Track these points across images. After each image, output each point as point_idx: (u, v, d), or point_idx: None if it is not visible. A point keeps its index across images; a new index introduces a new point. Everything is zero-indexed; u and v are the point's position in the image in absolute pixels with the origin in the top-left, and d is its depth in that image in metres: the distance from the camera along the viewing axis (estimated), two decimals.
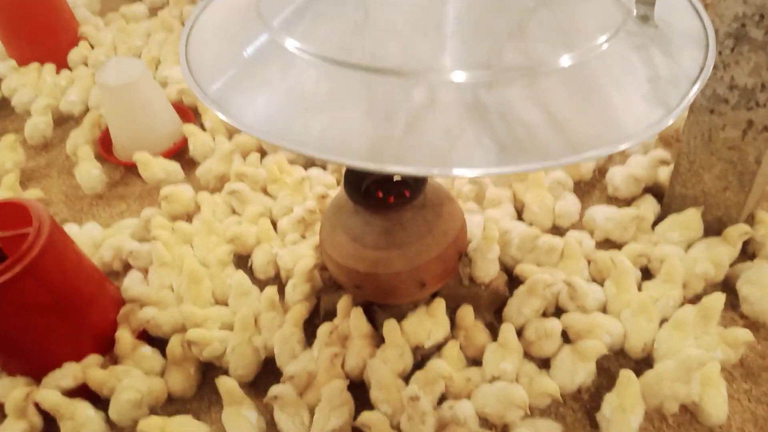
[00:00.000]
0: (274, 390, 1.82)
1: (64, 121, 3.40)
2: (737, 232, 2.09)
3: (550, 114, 1.11)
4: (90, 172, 2.86)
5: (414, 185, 1.87)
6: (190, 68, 1.33)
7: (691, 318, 1.90)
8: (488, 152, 1.06)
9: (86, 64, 3.72)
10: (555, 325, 1.93)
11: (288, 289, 2.19)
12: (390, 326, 1.93)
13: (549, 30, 1.16)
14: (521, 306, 2.02)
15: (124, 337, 2.06)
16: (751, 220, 2.23)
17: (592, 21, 1.22)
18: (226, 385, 1.87)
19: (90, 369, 1.97)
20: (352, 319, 1.97)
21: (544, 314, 2.07)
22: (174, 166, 2.85)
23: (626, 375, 1.76)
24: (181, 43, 1.40)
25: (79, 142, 3.01)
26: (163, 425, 1.78)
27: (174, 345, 2.04)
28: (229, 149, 2.82)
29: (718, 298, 1.90)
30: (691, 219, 2.19)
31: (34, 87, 3.45)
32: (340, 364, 1.95)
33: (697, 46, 1.32)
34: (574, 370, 1.86)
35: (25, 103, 3.36)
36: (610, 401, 1.76)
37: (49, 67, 3.59)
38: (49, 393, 1.87)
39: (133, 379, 1.97)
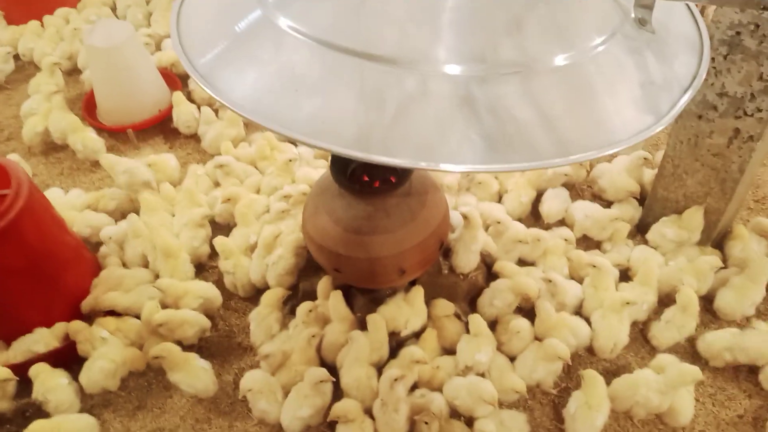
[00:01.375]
0: (248, 383, 1.83)
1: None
2: (709, 264, 2.10)
3: (541, 113, 1.11)
4: (64, 118, 2.82)
5: (400, 172, 1.86)
6: (180, 38, 1.30)
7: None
8: (476, 148, 1.05)
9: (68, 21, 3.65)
10: (522, 323, 1.95)
11: (272, 259, 2.16)
12: (374, 320, 1.92)
13: (546, 28, 1.15)
14: (493, 298, 2.04)
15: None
16: (730, 229, 2.25)
17: (589, 21, 1.21)
18: (165, 349, 1.87)
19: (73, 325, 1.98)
20: (331, 302, 1.97)
21: (520, 308, 2.09)
22: (95, 142, 2.77)
23: (591, 375, 1.79)
24: (172, 13, 1.37)
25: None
26: (51, 427, 1.75)
27: (149, 314, 2.02)
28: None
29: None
30: (691, 219, 2.19)
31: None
32: (316, 346, 1.95)
33: (691, 53, 1.32)
34: (533, 367, 1.89)
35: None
36: (576, 398, 1.79)
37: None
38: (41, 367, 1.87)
39: (110, 347, 1.95)
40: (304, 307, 2.01)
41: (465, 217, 2.07)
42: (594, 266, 2.06)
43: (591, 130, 1.13)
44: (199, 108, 2.91)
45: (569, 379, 1.97)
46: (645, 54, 1.25)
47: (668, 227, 2.23)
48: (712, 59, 1.84)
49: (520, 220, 2.40)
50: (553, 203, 2.41)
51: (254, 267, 2.20)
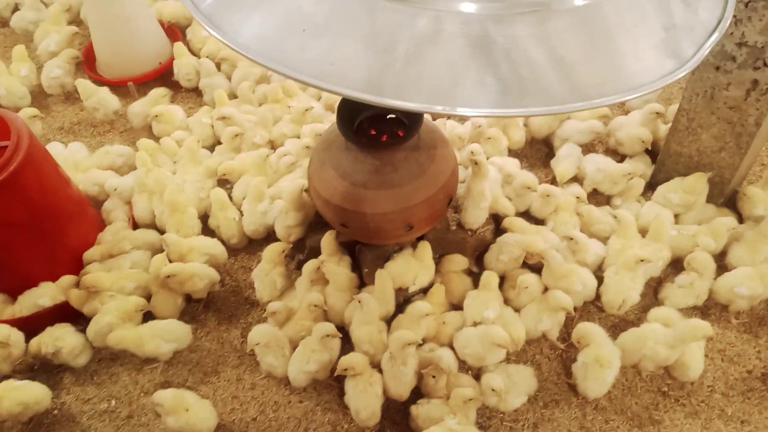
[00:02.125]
0: (255, 337, 1.82)
1: None
2: (725, 225, 2.06)
3: (557, 56, 1.06)
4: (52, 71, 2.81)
5: (408, 125, 1.81)
6: None
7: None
8: (490, 92, 1.01)
9: None
10: (530, 278, 1.93)
11: (280, 216, 2.14)
12: (382, 276, 1.90)
13: None
14: (500, 253, 2.02)
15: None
16: (741, 190, 2.20)
17: None
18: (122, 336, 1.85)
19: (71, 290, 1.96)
20: (329, 274, 1.94)
21: (528, 265, 2.07)
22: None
23: (602, 333, 1.78)
24: None
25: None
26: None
27: (157, 267, 2.00)
28: None
29: None
30: (695, 184, 2.15)
31: None
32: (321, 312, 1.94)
33: None
34: (538, 317, 1.89)
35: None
36: (586, 353, 1.77)
37: None
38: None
39: (119, 302, 1.94)
40: (310, 266, 1.98)
41: (475, 162, 2.02)
42: (615, 217, 2.05)
43: (610, 74, 1.08)
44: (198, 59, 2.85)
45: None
46: None
47: (673, 192, 2.18)
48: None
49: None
50: (568, 162, 2.36)
51: (247, 218, 2.19)
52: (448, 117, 2.54)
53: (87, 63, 2.97)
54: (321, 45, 1.03)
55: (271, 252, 2.02)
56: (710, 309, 2.01)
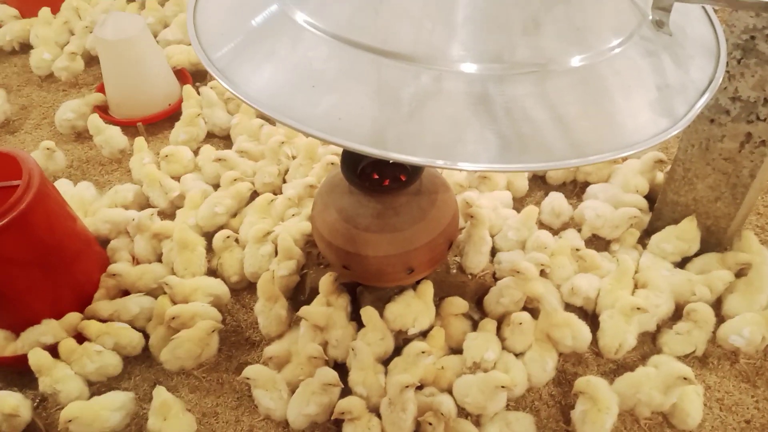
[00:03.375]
0: (248, 372, 1.84)
1: None
2: (721, 280, 2.09)
3: (556, 114, 1.10)
4: (66, 114, 2.89)
5: (410, 171, 1.86)
6: (197, 31, 1.30)
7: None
8: (491, 147, 1.05)
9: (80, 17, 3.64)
10: (524, 315, 1.94)
11: (275, 266, 2.18)
12: (368, 313, 1.93)
13: (564, 28, 1.14)
14: (500, 296, 2.04)
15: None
16: (738, 234, 2.24)
17: (607, 22, 1.21)
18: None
19: (64, 342, 1.94)
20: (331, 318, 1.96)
21: (526, 308, 2.09)
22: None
23: (600, 381, 1.79)
24: (189, 5, 1.37)
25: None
26: None
27: (161, 308, 2.02)
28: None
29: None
30: (686, 230, 2.19)
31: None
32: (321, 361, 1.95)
33: (708, 56, 1.32)
34: (544, 361, 1.90)
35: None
36: (585, 399, 1.78)
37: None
38: (37, 352, 1.87)
39: (191, 330, 1.96)
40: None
41: (471, 216, 2.07)
42: (617, 260, 2.08)
43: (606, 133, 1.12)
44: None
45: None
46: (662, 57, 1.24)
47: (666, 241, 2.22)
48: (726, 63, 1.82)
49: None
50: (558, 205, 2.41)
51: (248, 259, 2.21)
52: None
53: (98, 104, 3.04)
54: (329, 100, 1.08)
55: (266, 290, 2.04)
56: (709, 357, 2.02)
